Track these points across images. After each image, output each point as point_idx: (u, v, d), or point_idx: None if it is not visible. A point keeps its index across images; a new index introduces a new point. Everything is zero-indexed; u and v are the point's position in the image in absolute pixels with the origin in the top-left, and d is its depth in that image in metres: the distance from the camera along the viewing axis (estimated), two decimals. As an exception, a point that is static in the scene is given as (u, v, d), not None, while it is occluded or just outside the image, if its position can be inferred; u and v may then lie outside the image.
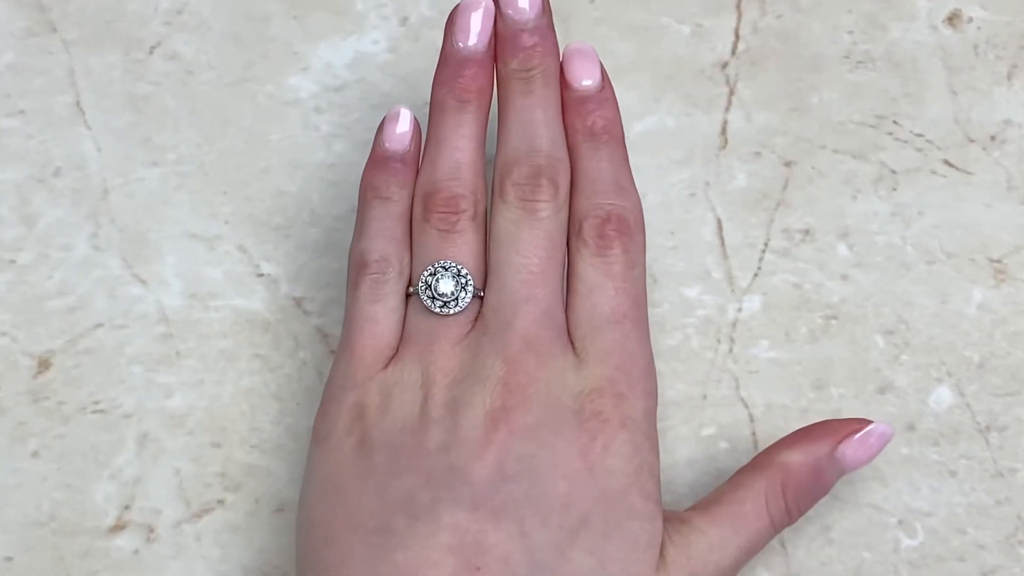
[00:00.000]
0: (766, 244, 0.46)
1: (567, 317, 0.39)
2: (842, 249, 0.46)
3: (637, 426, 0.37)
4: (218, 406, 0.44)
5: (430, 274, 0.39)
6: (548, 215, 0.39)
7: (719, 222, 0.47)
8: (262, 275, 0.46)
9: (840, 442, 0.39)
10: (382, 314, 0.39)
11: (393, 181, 0.41)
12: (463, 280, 0.39)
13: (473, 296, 0.39)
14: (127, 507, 0.42)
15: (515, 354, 0.37)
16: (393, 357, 0.39)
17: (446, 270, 0.39)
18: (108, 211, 0.46)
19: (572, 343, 0.38)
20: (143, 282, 0.46)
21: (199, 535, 0.42)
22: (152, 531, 0.42)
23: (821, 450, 0.39)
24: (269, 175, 0.47)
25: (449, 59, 0.41)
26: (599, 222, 0.39)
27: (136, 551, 0.42)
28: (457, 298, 0.39)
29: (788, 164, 0.47)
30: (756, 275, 0.46)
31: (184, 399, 0.44)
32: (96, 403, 0.44)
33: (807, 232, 0.46)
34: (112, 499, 0.43)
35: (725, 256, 0.46)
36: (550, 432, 0.36)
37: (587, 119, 0.41)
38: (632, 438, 0.37)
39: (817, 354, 0.45)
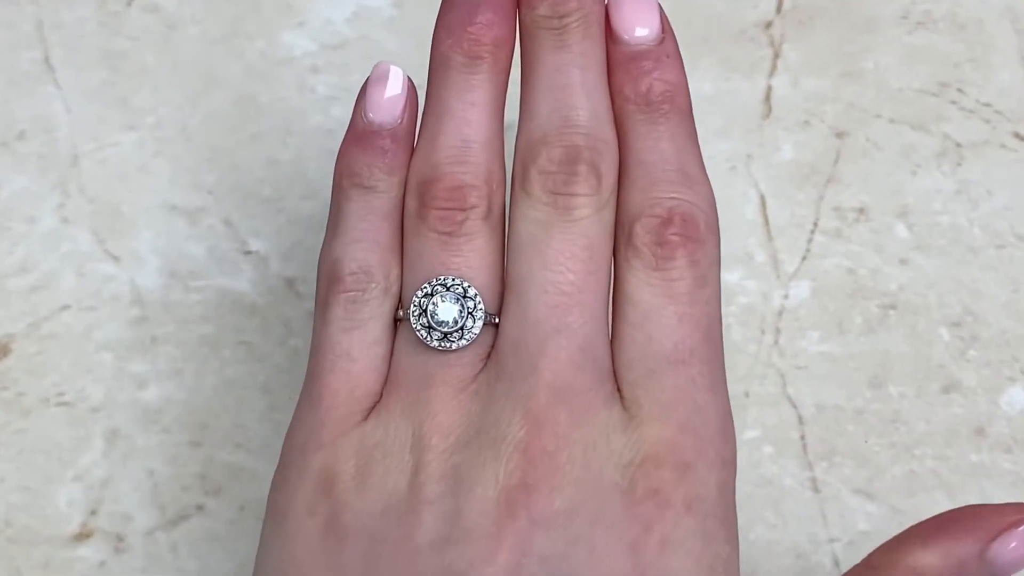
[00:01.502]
0: (815, 224, 0.45)
1: (613, 355, 0.31)
2: (901, 230, 0.45)
3: (708, 508, 0.30)
4: (198, 399, 0.43)
5: (426, 294, 0.32)
6: (588, 214, 0.32)
7: (763, 199, 0.46)
8: (250, 252, 0.45)
9: (994, 539, 0.31)
10: (360, 347, 0.32)
11: (378, 165, 0.33)
12: (471, 303, 0.31)
13: (485, 325, 0.32)
14: (93, 513, 0.41)
15: (541, 408, 0.30)
16: (374, 407, 0.32)
17: (447, 288, 0.32)
18: (78, 179, 0.45)
19: (620, 391, 0.31)
20: (115, 259, 0.44)
21: (175, 545, 0.41)
22: (121, 540, 0.41)
23: (967, 550, 0.31)
24: (259, 141, 0.46)
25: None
26: (657, 223, 0.32)
27: (103, 563, 0.41)
28: (462, 327, 0.31)
29: (840, 135, 0.46)
30: (804, 258, 0.44)
31: (160, 391, 0.43)
32: (60, 395, 0.43)
33: (861, 211, 0.45)
34: (77, 503, 0.41)
35: (769, 237, 0.45)
36: (588, 521, 0.29)
37: (641, 82, 0.33)
38: (702, 526, 0.29)
39: (873, 348, 0.43)
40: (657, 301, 0.31)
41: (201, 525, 0.42)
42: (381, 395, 0.32)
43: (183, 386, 0.43)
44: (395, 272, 0.33)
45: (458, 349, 0.32)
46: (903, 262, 0.44)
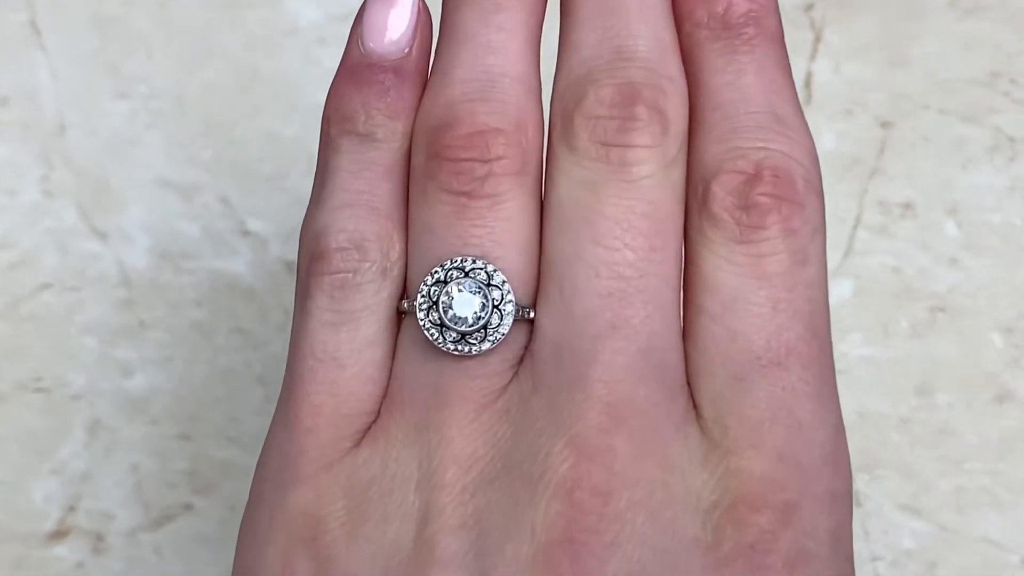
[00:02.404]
0: (858, 219, 0.44)
1: (687, 359, 0.26)
2: (950, 228, 0.44)
3: (820, 567, 0.25)
4: (188, 389, 0.42)
5: (438, 281, 0.26)
6: (650, 172, 0.26)
7: None
8: (247, 233, 0.44)
9: None
10: (350, 349, 0.27)
11: (377, 106, 0.28)
12: (497, 292, 0.26)
13: (516, 321, 0.26)
14: (72, 509, 0.41)
15: (592, 433, 0.24)
16: (369, 430, 0.26)
17: (465, 273, 0.26)
18: (63, 151, 0.45)
19: (696, 408, 0.25)
20: (102, 236, 0.44)
21: (159, 547, 0.41)
22: (101, 540, 0.40)
23: None
24: (260, 115, 0.45)
25: None
26: (742, 182, 0.26)
27: (80, 564, 0.40)
28: (485, 325, 0.26)
29: (885, 125, 0.45)
30: (846, 255, 0.44)
31: (147, 380, 0.42)
32: (38, 380, 0.42)
33: (908, 206, 0.44)
34: (54, 499, 0.41)
35: None
36: None
37: (717, 1, 0.27)
38: None
39: (920, 353, 0.42)
40: (743, 285, 0.25)
41: (188, 526, 0.41)
42: (379, 414, 0.26)
43: (172, 375, 0.43)
44: (398, 248, 0.27)
45: (480, 354, 0.26)
46: (952, 262, 0.44)
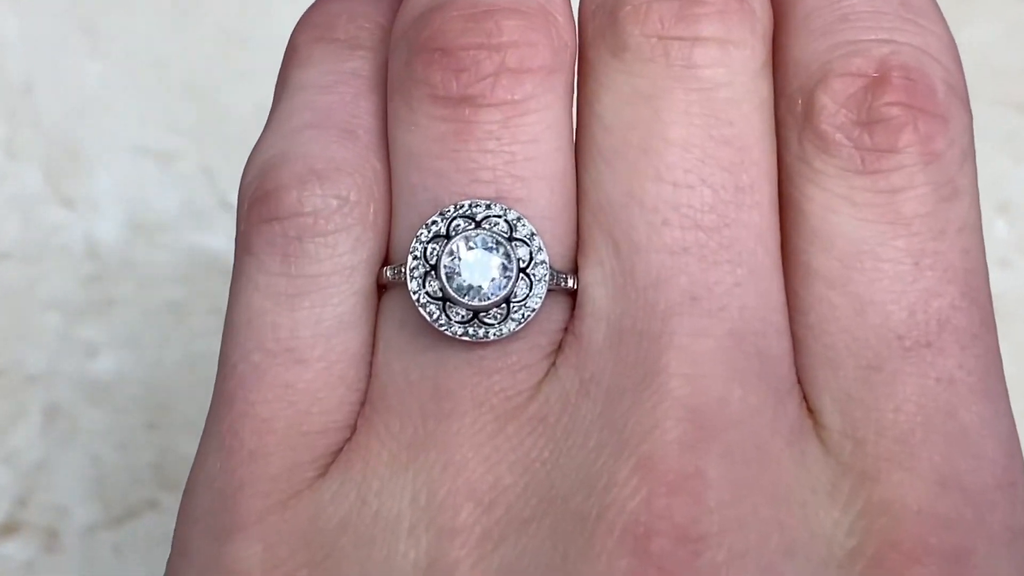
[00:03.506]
0: None
1: (795, 340, 0.21)
2: (1000, 227, 0.42)
3: None
4: (158, 375, 0.41)
5: (437, 235, 0.20)
6: (728, 79, 0.20)
7: None
8: (229, 206, 0.43)
9: None
10: (312, 333, 0.21)
11: (364, 10, 0.23)
12: (524, 250, 0.20)
13: (551, 289, 0.20)
14: (23, 503, 0.39)
15: (672, 451, 0.19)
16: (343, 448, 0.21)
17: (477, 224, 0.20)
18: (30, 111, 0.43)
19: (812, 411, 0.20)
20: (69, 204, 0.42)
21: (119, 547, 0.39)
22: (54, 537, 0.39)
23: None
24: (247, 80, 0.44)
25: None
26: (862, 87, 0.20)
27: (30, 563, 0.39)
28: (508, 299, 0.20)
29: None
30: None
31: (113, 362, 0.41)
32: None
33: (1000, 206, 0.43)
34: (3, 491, 0.40)
35: None
36: None
37: None
38: None
39: None
40: (871, 234, 0.20)
41: (153, 525, 0.40)
42: (354, 428, 0.21)
43: (141, 358, 0.41)
44: (381, 190, 0.21)
45: (501, 339, 0.20)
46: (1003, 264, 0.42)
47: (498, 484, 0.19)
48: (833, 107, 0.20)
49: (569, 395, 0.20)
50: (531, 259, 0.20)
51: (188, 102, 0.44)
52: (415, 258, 0.20)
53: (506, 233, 0.20)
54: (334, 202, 0.20)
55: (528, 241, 0.20)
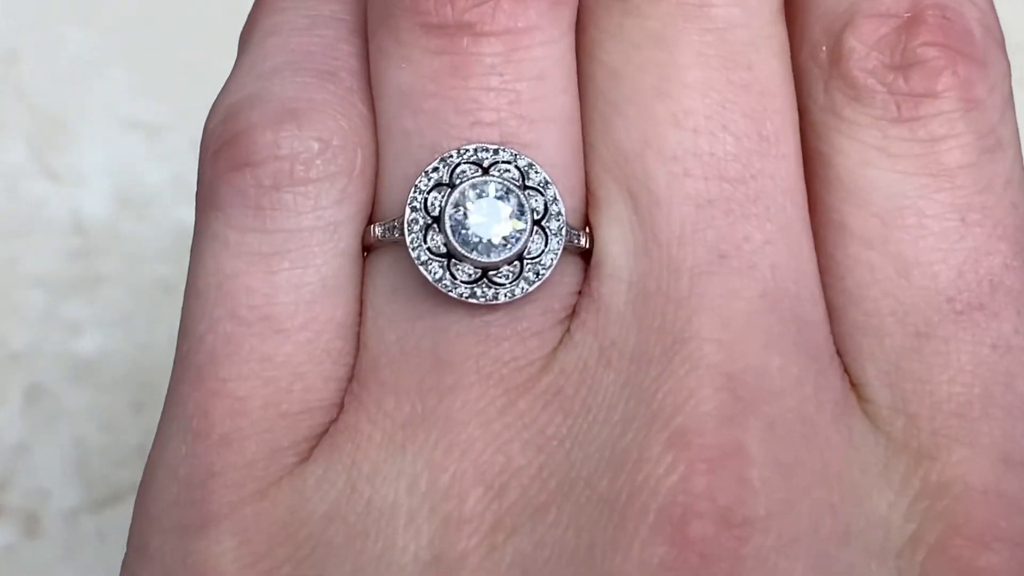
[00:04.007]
0: None
1: (830, 307, 0.19)
2: None
3: None
4: (145, 355, 0.41)
5: (439, 184, 0.19)
6: (744, 20, 0.19)
7: None
8: None
9: None
10: (293, 299, 0.19)
11: None
12: (538, 198, 0.19)
13: (566, 245, 0.19)
14: (2, 486, 0.39)
15: (710, 424, 0.17)
16: (328, 429, 0.19)
17: (484, 170, 0.19)
18: (15, 81, 0.43)
19: (855, 384, 0.19)
20: (54, 177, 0.42)
21: (102, 532, 0.39)
22: (35, 521, 0.39)
23: None
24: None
25: None
26: (895, 28, 0.19)
27: (10, 547, 0.38)
28: (521, 255, 0.19)
29: None
30: None
31: (98, 341, 0.40)
32: None
33: None
34: None
35: None
36: None
37: None
38: None
39: None
40: (911, 187, 0.19)
41: None
42: (341, 406, 0.19)
43: (128, 337, 0.41)
44: (367, 136, 0.19)
45: (512, 301, 0.19)
46: None
47: (510, 465, 0.18)
48: (863, 50, 0.19)
49: (588, 364, 0.18)
50: (546, 210, 0.18)
51: (179, 73, 0.43)
52: (414, 210, 0.18)
53: (517, 181, 0.18)
54: (315, 145, 0.19)
55: (542, 190, 0.18)
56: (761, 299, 0.18)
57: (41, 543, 0.38)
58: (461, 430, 0.18)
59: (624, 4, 0.19)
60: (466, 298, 0.18)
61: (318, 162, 0.19)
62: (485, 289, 0.18)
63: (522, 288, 0.18)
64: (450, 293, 0.18)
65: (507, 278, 0.18)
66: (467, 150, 0.18)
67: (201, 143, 0.20)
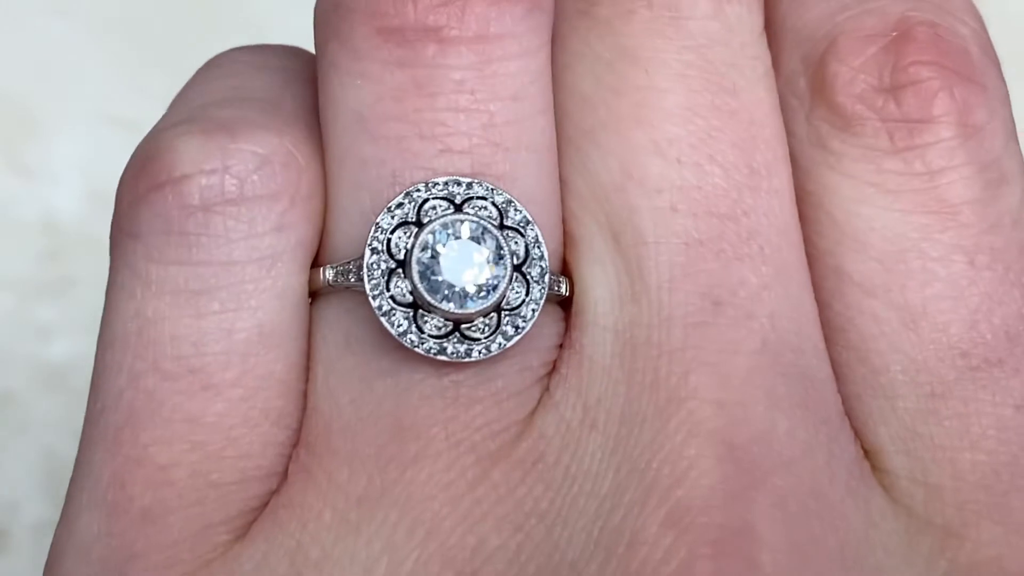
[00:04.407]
0: None
1: (831, 357, 0.18)
2: None
3: None
4: None
5: (404, 222, 0.17)
6: (719, 30, 0.18)
7: None
8: None
9: None
10: (225, 347, 0.17)
11: None
12: (518, 240, 0.17)
13: (547, 293, 0.17)
14: None
15: (714, 500, 0.16)
16: (269, 502, 0.17)
17: (457, 207, 0.17)
18: None
19: (867, 450, 0.17)
20: (25, 174, 0.41)
21: None
22: (4, 535, 0.38)
23: None
24: (223, 44, 0.39)
25: None
26: (883, 46, 0.18)
27: None
28: (499, 304, 0.17)
29: None
30: None
31: (70, 346, 0.39)
32: None
33: None
34: None
35: None
36: None
37: None
38: None
39: None
40: (910, 227, 0.17)
41: None
42: (285, 476, 0.17)
43: None
44: (314, 160, 0.18)
45: (487, 359, 0.17)
46: None
47: (482, 548, 0.16)
48: (849, 72, 0.17)
49: (571, 426, 0.16)
50: (527, 254, 0.17)
51: (156, 66, 0.41)
52: (375, 251, 0.16)
53: (495, 220, 0.16)
54: (251, 158, 0.17)
55: (523, 230, 0.16)
56: (761, 354, 0.16)
57: (10, 559, 0.38)
58: (426, 507, 0.16)
59: (591, 20, 0.18)
60: (434, 355, 0.16)
61: (254, 177, 0.17)
62: (457, 345, 0.16)
63: (499, 344, 0.16)
64: (416, 349, 0.16)
65: (482, 332, 0.16)
66: (436, 183, 0.17)
67: (117, 193, 0.18)
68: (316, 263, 0.17)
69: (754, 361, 0.16)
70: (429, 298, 0.16)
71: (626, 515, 0.15)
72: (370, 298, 0.16)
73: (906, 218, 0.17)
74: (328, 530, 0.16)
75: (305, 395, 0.17)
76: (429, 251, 0.16)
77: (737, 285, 0.16)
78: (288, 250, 0.17)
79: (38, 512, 0.38)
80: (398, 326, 0.16)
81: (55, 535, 0.18)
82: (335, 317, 0.17)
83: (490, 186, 0.16)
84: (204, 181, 0.17)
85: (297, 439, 0.17)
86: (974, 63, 0.17)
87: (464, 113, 0.17)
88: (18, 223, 0.40)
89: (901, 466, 0.17)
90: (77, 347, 0.39)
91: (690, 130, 0.17)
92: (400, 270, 0.16)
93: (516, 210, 0.16)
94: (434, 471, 0.16)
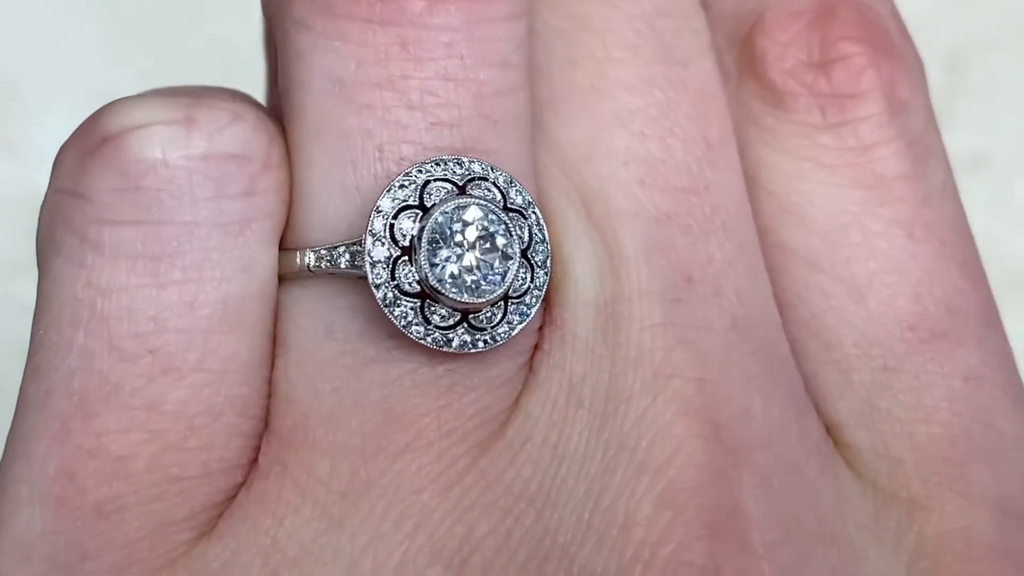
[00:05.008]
0: None
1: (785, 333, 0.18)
2: None
3: None
4: None
5: (407, 206, 0.16)
6: (651, 8, 0.18)
7: None
8: None
9: None
10: (185, 324, 0.16)
11: None
12: (521, 223, 0.16)
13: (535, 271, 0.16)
14: None
15: (704, 478, 0.15)
16: (236, 495, 0.16)
17: (461, 189, 0.16)
18: None
19: (828, 425, 0.17)
20: (9, 151, 0.41)
21: None
22: None
23: None
24: (211, 17, 0.43)
25: None
26: (807, 23, 0.18)
27: None
28: (507, 297, 0.16)
29: (952, 62, 0.43)
30: None
31: None
32: None
33: (977, 159, 0.42)
34: None
35: None
36: None
37: None
38: None
39: None
40: (849, 201, 0.17)
41: None
42: (254, 466, 0.16)
43: None
44: (279, 134, 0.17)
45: (489, 349, 0.16)
46: None
47: (471, 537, 0.15)
48: (778, 49, 0.17)
49: (557, 404, 0.16)
50: (531, 238, 0.16)
51: (145, 40, 0.42)
52: (376, 237, 0.15)
53: (499, 202, 0.15)
54: (220, 114, 0.15)
55: (525, 212, 0.16)
56: (732, 330, 0.16)
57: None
58: (416, 499, 0.15)
59: None
60: (440, 346, 0.15)
61: (225, 132, 0.15)
62: (463, 336, 0.15)
63: (504, 333, 0.16)
64: (422, 341, 0.15)
65: (489, 321, 0.16)
66: (437, 163, 0.15)
67: (54, 167, 0.17)
68: (283, 244, 0.16)
69: (727, 338, 0.16)
70: (441, 288, 0.15)
71: (618, 496, 0.15)
72: (373, 287, 0.15)
73: (845, 192, 0.17)
74: (307, 525, 0.15)
75: (269, 383, 0.16)
76: (438, 238, 0.15)
77: (705, 261, 0.16)
78: (258, 219, 0.16)
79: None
80: (404, 317, 0.15)
81: None
82: (311, 302, 0.16)
83: (488, 165, 0.16)
84: (165, 132, 0.15)
85: (261, 429, 0.16)
86: (894, 40, 0.18)
87: (453, 82, 0.16)
88: (2, 201, 0.40)
89: (863, 440, 0.17)
90: (61, 326, 0.38)
91: (649, 102, 0.17)
92: (406, 258, 0.15)
93: (517, 192, 0.16)
94: (424, 462, 0.15)
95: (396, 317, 0.15)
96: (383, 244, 0.15)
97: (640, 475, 0.15)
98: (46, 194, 0.16)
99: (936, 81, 0.42)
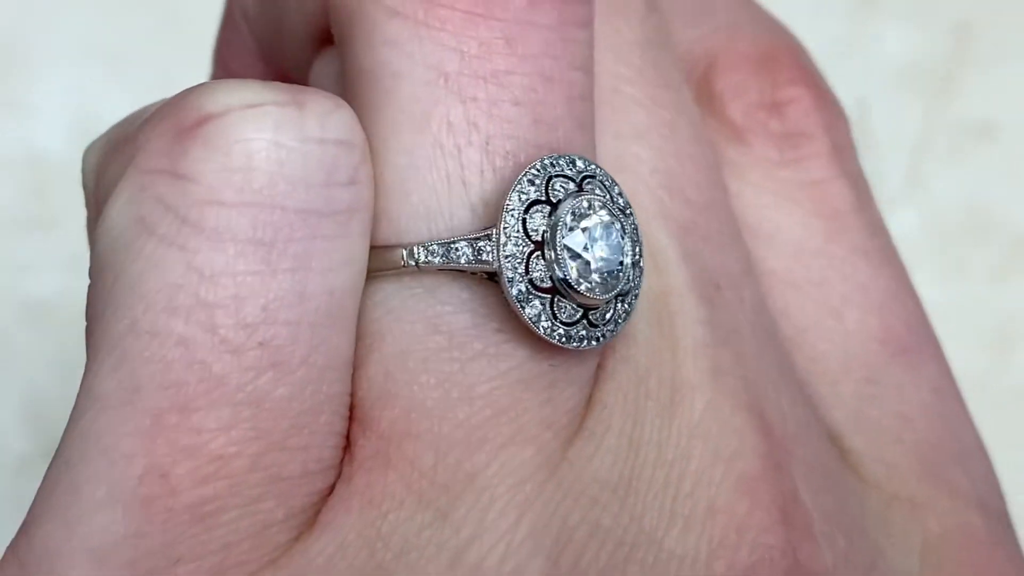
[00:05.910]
0: (925, 141, 0.43)
1: None
2: None
3: None
4: None
5: (536, 200, 0.16)
6: (652, 16, 0.18)
7: (860, 103, 0.41)
8: None
9: None
10: (295, 316, 0.16)
11: None
12: (626, 219, 0.16)
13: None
14: None
15: (769, 470, 0.16)
16: (329, 492, 0.16)
17: (579, 187, 0.16)
18: None
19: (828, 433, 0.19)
20: (8, 109, 0.41)
21: None
22: None
23: None
24: None
25: None
26: (753, 64, 0.20)
27: None
28: (621, 294, 0.16)
29: (962, 28, 0.44)
30: (911, 182, 0.43)
31: (55, 281, 0.40)
32: None
33: (987, 127, 0.42)
34: None
35: (866, 152, 0.41)
36: None
37: None
38: None
39: (998, 299, 0.42)
40: (813, 231, 0.19)
41: None
42: (347, 459, 0.16)
43: (85, 278, 0.40)
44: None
45: (590, 347, 0.16)
46: None
47: (565, 527, 0.15)
48: (733, 89, 0.19)
49: (628, 395, 0.16)
50: (637, 235, 0.16)
51: (146, 1, 0.42)
52: (510, 233, 0.15)
53: (610, 201, 0.16)
54: (323, 100, 0.15)
55: (626, 211, 0.16)
56: (755, 336, 0.17)
57: (-11, 494, 0.37)
58: (518, 491, 0.15)
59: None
60: (561, 342, 0.15)
61: (334, 117, 0.15)
62: (583, 332, 0.16)
63: (611, 330, 0.16)
64: (548, 337, 0.15)
65: (602, 319, 0.16)
66: (556, 160, 0.15)
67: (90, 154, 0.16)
68: (375, 237, 0.16)
69: (754, 342, 0.17)
70: (576, 284, 0.15)
71: (697, 483, 0.15)
72: (507, 282, 0.15)
73: (809, 221, 0.19)
74: (412, 518, 0.15)
75: (359, 378, 0.16)
76: (573, 234, 0.15)
77: (726, 270, 0.17)
78: (361, 209, 0.15)
79: (20, 446, 0.38)
80: (534, 314, 0.15)
81: (29, 543, 0.15)
82: (410, 296, 0.16)
83: (595, 164, 0.16)
84: (278, 113, 0.15)
85: (363, 425, 0.16)
86: (825, 86, 0.19)
87: (552, 82, 0.16)
88: (2, 160, 0.40)
89: (860, 445, 0.18)
90: (61, 282, 0.39)
91: (658, 120, 0.17)
92: (538, 253, 0.15)
93: (619, 192, 0.16)
94: (527, 455, 0.15)
95: (527, 311, 0.15)
96: (516, 239, 0.15)
97: (715, 463, 0.15)
98: (128, 176, 0.16)
99: (945, 49, 0.42)
